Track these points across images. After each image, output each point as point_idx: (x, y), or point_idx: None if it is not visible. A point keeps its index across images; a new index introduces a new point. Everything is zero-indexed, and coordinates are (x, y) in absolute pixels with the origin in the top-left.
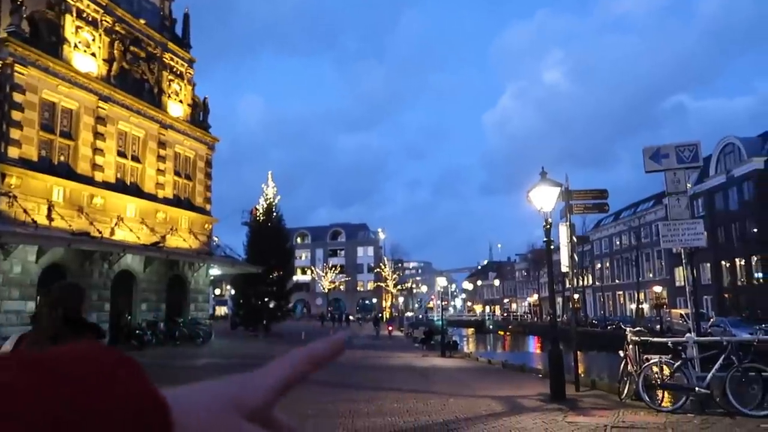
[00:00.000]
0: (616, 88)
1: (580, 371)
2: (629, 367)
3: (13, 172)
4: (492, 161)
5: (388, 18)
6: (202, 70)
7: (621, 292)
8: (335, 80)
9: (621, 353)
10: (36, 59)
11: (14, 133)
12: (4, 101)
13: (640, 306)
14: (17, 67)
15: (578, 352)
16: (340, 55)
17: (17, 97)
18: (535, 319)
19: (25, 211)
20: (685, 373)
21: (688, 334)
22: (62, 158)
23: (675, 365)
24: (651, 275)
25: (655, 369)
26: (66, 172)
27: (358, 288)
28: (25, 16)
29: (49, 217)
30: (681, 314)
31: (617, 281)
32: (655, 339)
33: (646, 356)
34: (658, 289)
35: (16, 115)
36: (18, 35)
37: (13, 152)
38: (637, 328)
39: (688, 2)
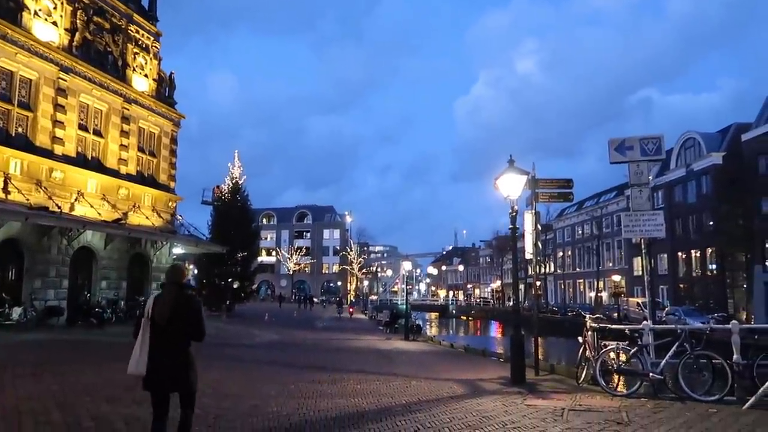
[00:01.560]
0: (588, 81)
1: (540, 356)
2: (587, 353)
3: None
4: (463, 149)
5: (365, 2)
6: (175, 43)
7: (581, 280)
8: (311, 62)
9: (580, 339)
10: None
11: None
12: None
13: (599, 294)
14: None
15: (539, 338)
16: (317, 37)
17: None
18: (498, 304)
19: None
20: (640, 359)
21: (644, 322)
22: (20, 130)
23: (631, 351)
24: (611, 264)
25: (612, 355)
26: (24, 144)
27: (323, 270)
28: None
29: (5, 190)
30: (638, 303)
31: (578, 269)
32: (613, 326)
33: (603, 342)
34: (616, 278)
35: None
36: None
37: None
38: (596, 316)
39: (661, 0)
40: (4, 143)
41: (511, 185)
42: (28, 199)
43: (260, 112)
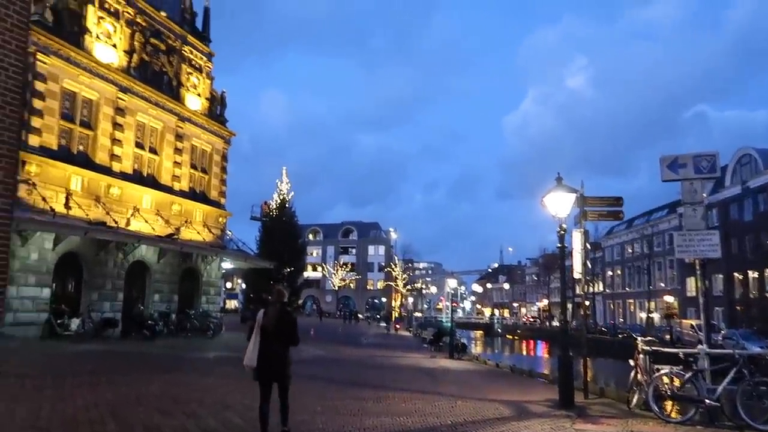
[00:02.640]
0: (639, 97)
1: (589, 378)
2: (639, 377)
3: (33, 160)
4: (510, 165)
5: (417, 21)
6: (231, 64)
7: (631, 301)
8: (359, 81)
9: (631, 362)
10: (58, 48)
11: (35, 122)
12: (26, 90)
13: (650, 315)
14: (39, 56)
15: (587, 359)
16: (366, 57)
17: (39, 86)
18: (545, 323)
19: (43, 199)
20: (695, 384)
21: (699, 346)
22: (81, 148)
23: (686, 376)
24: (662, 284)
25: (666, 380)
26: (84, 161)
27: (367, 287)
28: (48, 5)
29: (66, 205)
30: (692, 325)
31: (628, 289)
32: (666, 349)
33: (656, 366)
34: (669, 298)
35: (37, 103)
36: (41, 24)
37: (33, 140)
38: (648, 338)
39: (715, 14)
40: (66, 161)
41: (559, 204)
42: (87, 215)
43: (309, 130)
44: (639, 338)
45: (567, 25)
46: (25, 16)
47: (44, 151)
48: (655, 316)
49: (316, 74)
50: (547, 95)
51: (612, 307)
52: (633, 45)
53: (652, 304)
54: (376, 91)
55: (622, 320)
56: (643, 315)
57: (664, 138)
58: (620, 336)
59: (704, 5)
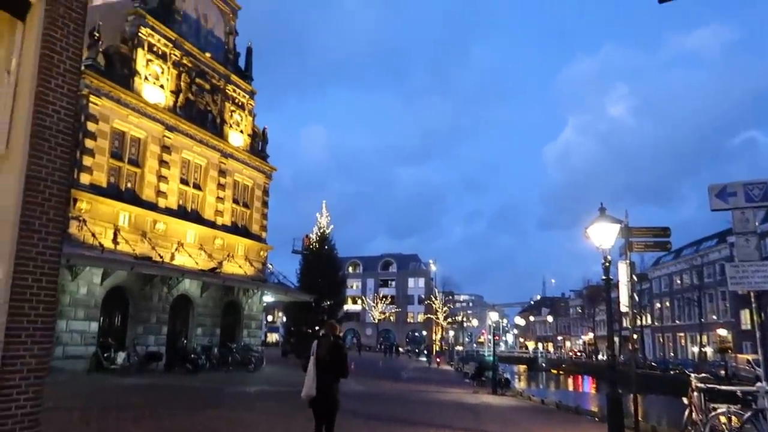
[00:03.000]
0: (684, 124)
1: (639, 416)
2: (694, 416)
3: (83, 198)
4: (551, 195)
5: (455, 54)
6: (274, 102)
7: (682, 334)
8: (398, 114)
9: (685, 400)
10: (109, 90)
11: (87, 161)
12: (78, 130)
13: (702, 349)
14: (92, 98)
15: (637, 396)
16: (405, 90)
17: (91, 126)
18: (591, 358)
19: (93, 234)
20: (756, 425)
21: (759, 383)
22: (129, 185)
23: (745, 416)
24: (714, 317)
25: (723, 419)
26: (132, 198)
27: (408, 320)
28: (101, 50)
29: (114, 240)
30: (748, 360)
31: (678, 322)
32: (723, 387)
33: (712, 405)
34: (722, 332)
35: (89, 143)
36: (94, 68)
37: (84, 178)
38: (702, 375)
39: (762, 38)
40: (115, 197)
41: (603, 235)
42: (134, 249)
43: (349, 163)
44: (692, 375)
45: (607, 53)
46: (77, 62)
47: (94, 189)
48: (708, 350)
49: (355, 109)
50: (588, 124)
51: (661, 340)
52: (676, 72)
53: (704, 337)
54: (416, 123)
55: (672, 354)
56: (695, 349)
57: (712, 165)
58: (672, 371)
59: (751, 30)
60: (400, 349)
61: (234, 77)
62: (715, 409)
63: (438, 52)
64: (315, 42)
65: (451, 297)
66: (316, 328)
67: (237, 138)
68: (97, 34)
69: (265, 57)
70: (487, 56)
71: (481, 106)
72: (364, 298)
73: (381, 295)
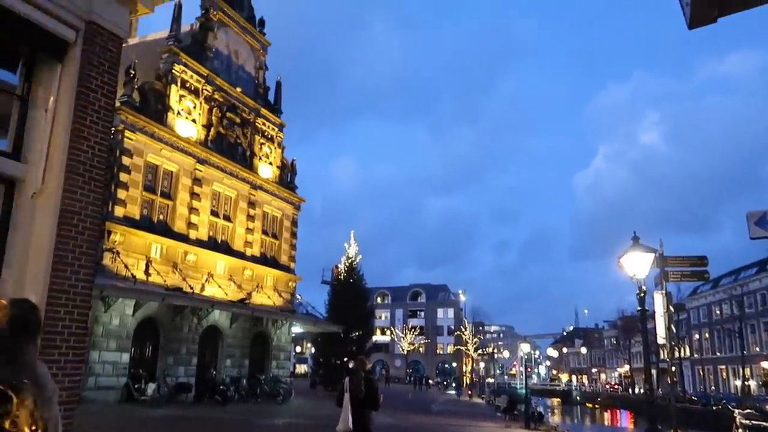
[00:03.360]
0: (719, 150)
1: None
2: None
3: (117, 230)
4: (583, 224)
5: (484, 85)
6: (306, 134)
7: (723, 366)
8: (428, 144)
9: None
10: (143, 126)
11: (121, 194)
12: (113, 164)
13: (746, 383)
14: (127, 133)
15: None
16: (434, 121)
17: (125, 161)
18: (628, 391)
19: (126, 266)
20: None
21: None
22: (161, 217)
23: None
24: (757, 349)
25: None
26: (164, 229)
27: (437, 351)
28: (136, 86)
29: (146, 272)
30: None
31: (718, 354)
32: None
33: None
34: (766, 364)
35: (123, 176)
36: (129, 104)
37: (119, 211)
38: (747, 410)
39: None
40: (147, 229)
41: (637, 264)
42: (165, 281)
43: (379, 194)
44: (736, 410)
45: (637, 80)
46: (111, 99)
47: (128, 221)
48: (752, 383)
49: (384, 139)
50: (620, 152)
51: (701, 373)
52: (709, 98)
53: (747, 370)
54: (444, 153)
55: (713, 388)
56: (738, 383)
57: (749, 192)
58: (714, 406)
59: None
60: (431, 381)
61: (264, 111)
62: None
63: (466, 82)
64: (345, 75)
65: (481, 328)
66: (345, 359)
67: (266, 170)
68: (133, 72)
69: (298, 90)
70: (516, 85)
71: (510, 135)
72: (392, 329)
73: (410, 326)
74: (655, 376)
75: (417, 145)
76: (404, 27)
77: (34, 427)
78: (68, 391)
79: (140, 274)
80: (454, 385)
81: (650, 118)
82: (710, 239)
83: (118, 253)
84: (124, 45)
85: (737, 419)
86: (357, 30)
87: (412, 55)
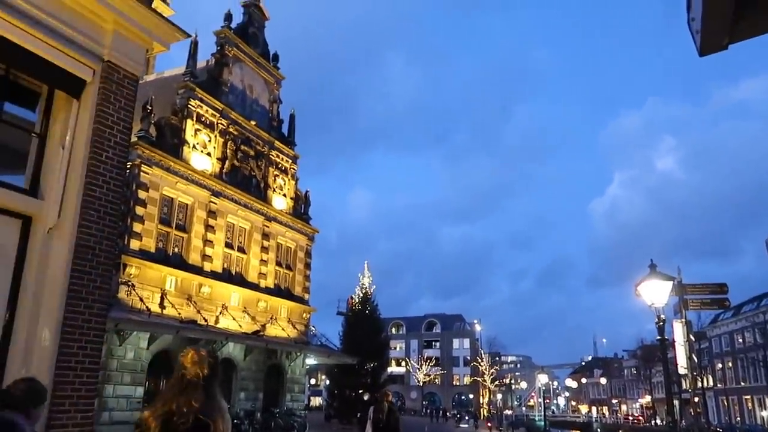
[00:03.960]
0: (737, 175)
1: None
2: None
3: (132, 263)
4: (600, 252)
5: (499, 114)
6: (323, 167)
7: (748, 397)
8: (443, 173)
9: None
10: (160, 160)
11: (136, 227)
12: (129, 198)
13: None
14: (143, 168)
15: None
16: (450, 150)
17: (141, 194)
18: (650, 422)
19: (141, 299)
20: None
21: None
22: (176, 249)
23: None
24: None
25: None
26: (179, 262)
27: (453, 382)
28: (153, 121)
29: (161, 305)
30: None
31: (742, 384)
32: None
33: None
34: None
35: (139, 210)
36: (146, 139)
37: (134, 244)
38: None
39: None
40: (163, 262)
41: (655, 292)
42: (179, 313)
43: (394, 224)
44: None
45: (651, 108)
46: (127, 134)
47: (143, 254)
48: None
49: (401, 171)
50: (636, 179)
51: (726, 404)
52: (724, 124)
53: None
54: (460, 183)
55: (738, 419)
56: (765, 413)
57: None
58: None
59: None
60: (447, 413)
61: (278, 143)
62: None
63: (480, 111)
64: (362, 107)
65: (497, 358)
66: (360, 391)
67: (280, 201)
68: (150, 107)
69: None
70: (531, 114)
71: (525, 163)
72: (408, 360)
73: (425, 357)
74: (677, 406)
75: (433, 174)
76: (420, 59)
77: None
78: (80, 427)
79: (155, 307)
80: (467, 417)
81: (666, 144)
82: (730, 266)
83: (133, 286)
84: (141, 81)
85: None
86: (374, 63)
87: (428, 87)
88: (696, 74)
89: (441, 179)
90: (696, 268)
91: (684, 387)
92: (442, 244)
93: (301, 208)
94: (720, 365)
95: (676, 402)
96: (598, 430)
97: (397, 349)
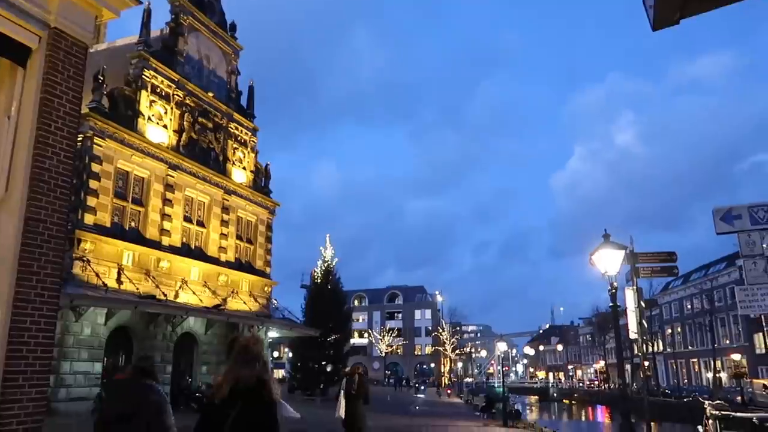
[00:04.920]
0: (691, 149)
1: None
2: None
3: (87, 238)
4: (560, 224)
5: (463, 89)
6: (288, 141)
7: (695, 360)
8: (409, 148)
9: (700, 428)
10: (113, 132)
11: (91, 201)
12: (83, 171)
13: (717, 375)
14: (96, 140)
15: (651, 424)
16: (416, 126)
17: (95, 168)
18: (603, 386)
19: (97, 274)
20: None
21: None
22: (133, 224)
23: None
24: (728, 341)
25: None
26: (136, 237)
27: (415, 352)
28: (105, 92)
29: (118, 280)
30: (764, 385)
31: (690, 348)
32: (738, 414)
33: None
34: (736, 356)
35: (93, 184)
36: (98, 110)
37: (88, 219)
38: (717, 401)
39: (766, 63)
40: (119, 237)
41: (608, 261)
42: (137, 288)
43: (360, 198)
44: (707, 401)
45: (611, 83)
46: (77, 105)
47: (98, 229)
48: (723, 375)
49: (366, 145)
50: (595, 152)
51: (674, 367)
52: (681, 99)
53: (718, 362)
54: (425, 156)
55: (686, 381)
56: (710, 375)
57: (720, 190)
58: (686, 399)
59: (754, 56)
60: (410, 382)
61: (236, 115)
62: None
63: (446, 87)
64: (327, 82)
65: (458, 328)
66: (323, 363)
67: (240, 175)
68: (102, 77)
69: (278, 96)
70: (495, 89)
71: (489, 138)
72: (370, 331)
73: (387, 328)
74: (629, 371)
75: (399, 149)
76: (387, 37)
77: None
78: (35, 402)
79: (112, 283)
80: (423, 387)
81: (625, 119)
82: (683, 237)
83: (88, 261)
84: (91, 50)
85: (707, 410)
86: (339, 38)
87: (392, 61)
88: (654, 50)
89: (407, 154)
90: (652, 238)
91: (635, 352)
92: (408, 217)
93: (261, 181)
94: (670, 330)
95: (627, 366)
96: (555, 395)
97: (360, 321)
